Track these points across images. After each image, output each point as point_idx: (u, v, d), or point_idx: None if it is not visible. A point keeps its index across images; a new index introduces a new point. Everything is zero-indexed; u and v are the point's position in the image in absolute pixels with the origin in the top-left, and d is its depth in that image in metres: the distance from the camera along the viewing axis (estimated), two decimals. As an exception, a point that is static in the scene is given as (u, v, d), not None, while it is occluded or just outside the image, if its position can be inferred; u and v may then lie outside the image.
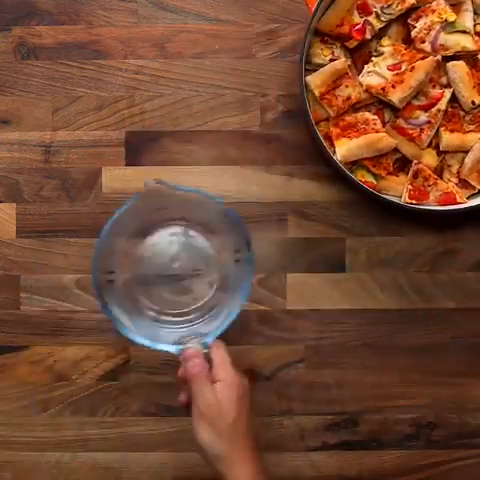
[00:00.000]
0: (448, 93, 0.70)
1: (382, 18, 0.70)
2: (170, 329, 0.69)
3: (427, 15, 0.69)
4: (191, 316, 0.70)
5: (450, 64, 0.70)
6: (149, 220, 0.70)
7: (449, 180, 0.73)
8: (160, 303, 0.70)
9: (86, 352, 0.75)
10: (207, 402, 0.58)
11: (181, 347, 0.62)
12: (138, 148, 0.75)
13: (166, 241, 0.71)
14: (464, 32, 0.69)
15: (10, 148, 0.75)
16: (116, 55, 0.75)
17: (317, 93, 0.70)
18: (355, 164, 0.72)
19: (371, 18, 0.70)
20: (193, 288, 0.71)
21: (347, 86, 0.70)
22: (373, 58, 0.71)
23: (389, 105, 0.71)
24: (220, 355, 0.61)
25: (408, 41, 0.71)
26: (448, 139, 0.71)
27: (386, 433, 0.76)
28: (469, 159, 0.71)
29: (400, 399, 0.76)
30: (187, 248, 0.71)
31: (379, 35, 0.71)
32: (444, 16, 0.69)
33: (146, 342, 0.62)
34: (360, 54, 0.72)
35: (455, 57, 0.70)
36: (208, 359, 0.61)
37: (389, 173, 0.72)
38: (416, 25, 0.70)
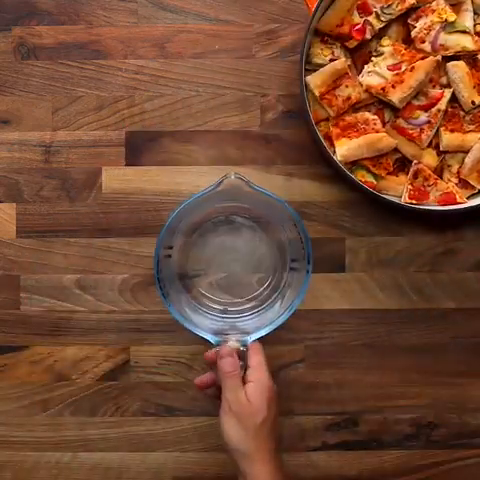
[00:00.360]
0: (448, 93, 0.70)
1: (382, 18, 0.70)
2: (212, 318, 0.70)
3: (427, 15, 0.69)
4: (235, 308, 0.71)
5: (450, 64, 0.70)
6: (215, 209, 0.71)
7: (449, 180, 0.73)
8: (208, 290, 0.72)
9: (86, 352, 0.75)
10: (239, 400, 0.60)
11: (219, 339, 0.63)
12: (138, 148, 0.75)
13: (226, 232, 0.72)
14: (464, 32, 0.69)
15: (10, 148, 0.75)
16: (116, 55, 0.75)
17: (317, 93, 0.70)
18: (355, 164, 0.72)
19: (371, 18, 0.70)
20: (243, 282, 0.72)
21: (347, 86, 0.70)
22: (373, 58, 0.71)
23: (389, 105, 0.71)
24: (257, 356, 0.63)
25: (408, 41, 0.71)
26: (448, 139, 0.71)
27: (386, 433, 0.76)
28: (469, 159, 0.71)
29: (400, 399, 0.76)
30: (246, 243, 0.72)
31: (379, 35, 0.71)
32: (444, 16, 0.69)
33: (187, 324, 0.63)
34: (360, 54, 0.72)
35: (455, 57, 0.70)
36: (243, 356, 0.62)
37: (389, 173, 0.72)
38: (416, 25, 0.70)
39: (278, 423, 0.63)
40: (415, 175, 0.71)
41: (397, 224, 0.75)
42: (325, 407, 0.75)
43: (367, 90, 0.70)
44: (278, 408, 0.62)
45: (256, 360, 0.63)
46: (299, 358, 0.75)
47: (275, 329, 0.65)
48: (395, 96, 0.69)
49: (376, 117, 0.71)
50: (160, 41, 0.75)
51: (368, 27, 0.70)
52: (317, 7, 0.67)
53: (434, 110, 0.70)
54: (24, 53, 0.75)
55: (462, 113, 0.72)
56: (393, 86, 0.69)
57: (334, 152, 0.71)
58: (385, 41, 0.71)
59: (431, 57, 0.69)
